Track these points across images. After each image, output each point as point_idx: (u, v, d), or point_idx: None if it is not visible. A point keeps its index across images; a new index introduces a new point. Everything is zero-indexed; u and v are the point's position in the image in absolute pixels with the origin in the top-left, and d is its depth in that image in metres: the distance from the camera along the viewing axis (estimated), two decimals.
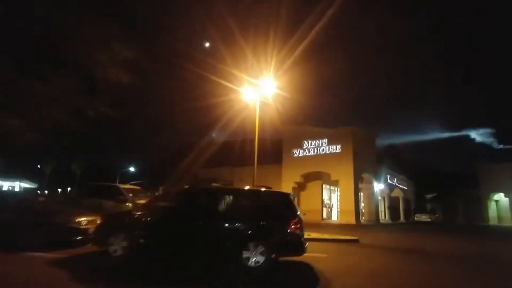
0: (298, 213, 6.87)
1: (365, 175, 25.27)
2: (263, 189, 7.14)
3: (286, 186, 26.04)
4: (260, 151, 32.23)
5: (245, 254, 6.08)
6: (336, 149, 23.80)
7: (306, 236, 11.95)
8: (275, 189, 22.37)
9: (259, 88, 15.06)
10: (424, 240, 14.25)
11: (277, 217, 6.55)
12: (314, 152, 25.03)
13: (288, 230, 6.32)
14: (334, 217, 26.34)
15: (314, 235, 12.12)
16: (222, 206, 6.59)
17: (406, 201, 40.11)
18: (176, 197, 7.11)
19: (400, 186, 36.73)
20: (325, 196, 27.73)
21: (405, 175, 41.62)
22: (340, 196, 24.20)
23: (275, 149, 28.67)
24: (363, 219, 27.92)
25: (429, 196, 52.50)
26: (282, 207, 6.88)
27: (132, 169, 57.30)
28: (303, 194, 26.58)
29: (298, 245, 6.40)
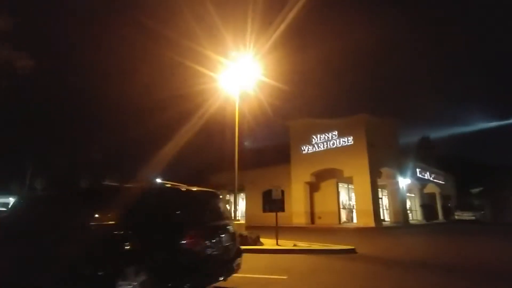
0: (215, 221, 4.70)
1: (385, 170, 21.89)
2: (171, 187, 4.99)
3: (296, 187, 23.45)
4: (268, 151, 30.03)
5: (121, 285, 3.95)
6: (348, 142, 20.82)
7: (291, 247, 9.63)
8: (286, 191, 19.98)
9: (245, 77, 13.02)
10: (454, 245, 11.10)
11: (174, 227, 4.33)
12: (324, 147, 22.22)
13: (182, 247, 4.07)
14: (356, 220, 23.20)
15: (301, 245, 9.73)
16: (89, 212, 4.51)
17: (445, 198, 35.36)
18: (36, 202, 5.17)
19: (435, 180, 32.30)
20: (344, 196, 24.66)
21: (442, 168, 36.93)
22: (355, 195, 21.07)
23: (284, 147, 26.29)
24: (388, 221, 24.43)
25: (475, 191, 46.61)
26: (198, 212, 4.68)
27: (158, 180, 58.19)
28: (316, 195, 23.76)
29: (197, 270, 4.13)
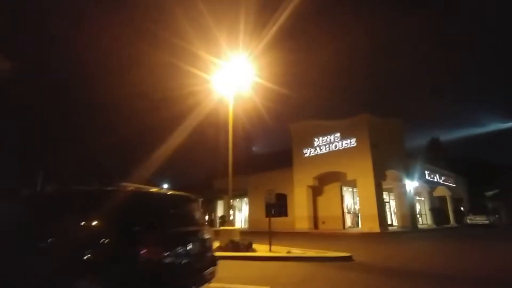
0: (182, 227, 4.28)
1: (391, 172, 21.08)
2: (130, 189, 4.52)
3: (299, 191, 22.81)
4: (272, 155, 29.50)
5: None
6: (350, 143, 20.11)
7: (284, 254, 9.05)
8: (289, 195, 19.50)
9: (243, 79, 12.55)
10: (463, 252, 10.33)
11: (130, 233, 3.87)
12: (326, 149, 21.56)
13: (139, 256, 3.60)
14: None
15: (295, 251, 9.17)
16: (34, 219, 4.09)
17: (457, 201, 34.08)
18: None
19: (446, 183, 31.13)
20: (349, 200, 23.88)
21: (453, 171, 35.71)
22: (359, 198, 20.26)
23: (288, 151, 25.81)
24: (396, 225, 23.52)
25: (489, 193, 44.98)
26: (161, 217, 4.24)
27: (165, 185, 58.88)
28: (320, 199, 23.05)
29: (158, 281, 3.66)
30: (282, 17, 12.96)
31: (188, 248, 4.23)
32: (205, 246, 4.73)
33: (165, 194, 4.52)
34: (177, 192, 4.83)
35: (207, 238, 4.89)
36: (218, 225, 25.76)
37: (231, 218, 33.87)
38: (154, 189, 4.73)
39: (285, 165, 24.31)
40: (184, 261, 4.09)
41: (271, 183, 26.35)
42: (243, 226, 27.98)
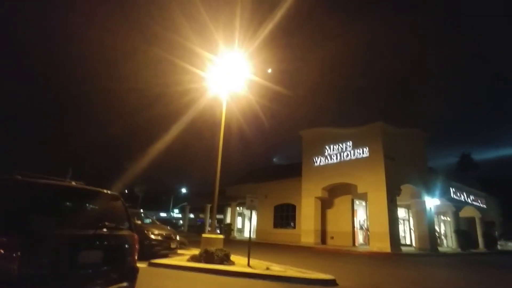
0: (73, 229, 3.46)
1: (408, 187, 19.17)
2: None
3: (306, 202, 21.40)
4: (289, 165, 28.28)
5: None
6: (363, 153, 18.52)
7: (261, 271, 7.91)
8: (298, 207, 18.33)
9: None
10: (476, 285, 8.64)
11: None
12: (337, 158, 20.08)
13: None
14: None
15: (275, 269, 8.03)
16: None
17: (488, 224, 30.81)
18: None
19: (474, 203, 28.22)
20: (362, 215, 22.11)
21: (485, 190, 32.52)
22: (369, 214, 18.48)
23: (299, 159, 24.59)
24: (414, 246, 21.36)
25: None
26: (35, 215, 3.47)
27: (184, 190, 59.15)
28: (329, 213, 21.49)
29: None
30: (278, 14, 12.07)
31: (77, 257, 3.36)
32: (114, 256, 3.84)
33: (61, 188, 3.70)
34: (84, 187, 4.00)
35: (122, 246, 4.01)
36: (222, 233, 24.84)
37: (240, 227, 32.53)
38: (54, 182, 3.93)
39: (297, 174, 23.06)
40: (64, 273, 3.24)
41: (281, 192, 25.18)
42: (252, 237, 26.87)
